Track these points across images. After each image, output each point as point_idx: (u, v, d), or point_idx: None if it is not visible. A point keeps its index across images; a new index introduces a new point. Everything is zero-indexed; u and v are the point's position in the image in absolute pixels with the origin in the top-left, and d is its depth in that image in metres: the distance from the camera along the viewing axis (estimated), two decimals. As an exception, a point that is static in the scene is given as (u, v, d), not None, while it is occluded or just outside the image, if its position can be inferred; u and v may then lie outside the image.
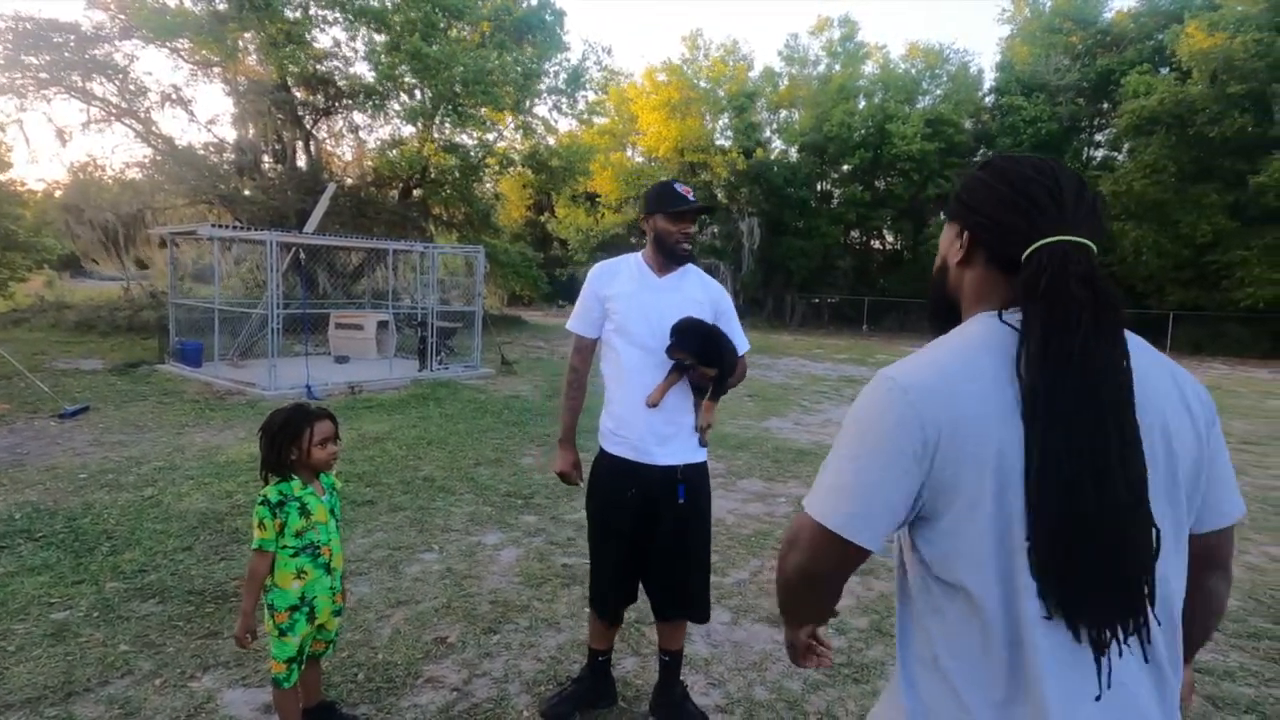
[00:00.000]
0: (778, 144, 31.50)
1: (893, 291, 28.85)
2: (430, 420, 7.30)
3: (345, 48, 17.64)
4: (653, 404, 2.20)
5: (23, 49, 13.67)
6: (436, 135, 18.50)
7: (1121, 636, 0.83)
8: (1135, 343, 0.91)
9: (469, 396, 8.88)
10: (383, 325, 11.73)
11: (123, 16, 14.49)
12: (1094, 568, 0.81)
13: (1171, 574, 0.89)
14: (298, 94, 17.97)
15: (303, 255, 10.50)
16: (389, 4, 16.56)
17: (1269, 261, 20.12)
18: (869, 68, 30.64)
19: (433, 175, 19.15)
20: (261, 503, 2.10)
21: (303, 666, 2.17)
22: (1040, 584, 0.82)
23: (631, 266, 2.34)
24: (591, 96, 21.93)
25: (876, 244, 32.81)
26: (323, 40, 17.29)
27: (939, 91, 29.99)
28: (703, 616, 2.39)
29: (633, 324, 2.25)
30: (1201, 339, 21.04)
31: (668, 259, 2.28)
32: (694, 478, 2.27)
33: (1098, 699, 0.83)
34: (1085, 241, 0.89)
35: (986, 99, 29.24)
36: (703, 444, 2.30)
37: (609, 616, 2.39)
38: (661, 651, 2.42)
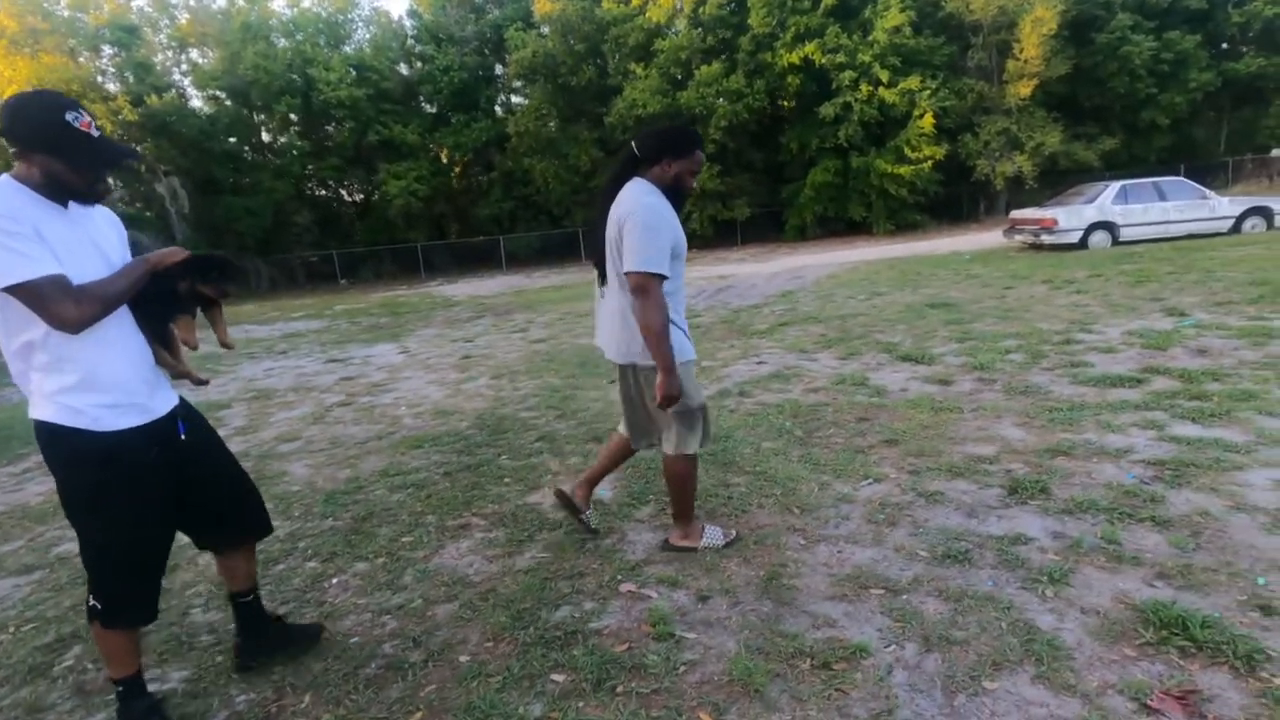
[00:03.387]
0: (193, 90, 27.42)
1: (365, 240, 28.93)
2: None
3: None
4: (197, 345, 2.01)
5: None
6: None
7: (601, 285, 2.55)
8: (634, 189, 2.37)
9: None
10: None
11: None
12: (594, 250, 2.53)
13: (616, 277, 2.41)
14: None
15: None
16: None
17: (628, 181, 27.09)
18: (280, 6, 28.70)
19: None
20: None
21: None
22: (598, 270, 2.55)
23: (25, 197, 1.67)
24: None
25: (345, 194, 32.02)
26: None
27: (366, 37, 30.06)
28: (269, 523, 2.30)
29: (95, 269, 1.74)
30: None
31: (70, 196, 1.75)
32: (183, 410, 2.05)
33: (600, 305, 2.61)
34: (632, 144, 2.43)
35: (415, 47, 30.53)
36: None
37: (145, 617, 1.99)
38: (241, 595, 2.21)
